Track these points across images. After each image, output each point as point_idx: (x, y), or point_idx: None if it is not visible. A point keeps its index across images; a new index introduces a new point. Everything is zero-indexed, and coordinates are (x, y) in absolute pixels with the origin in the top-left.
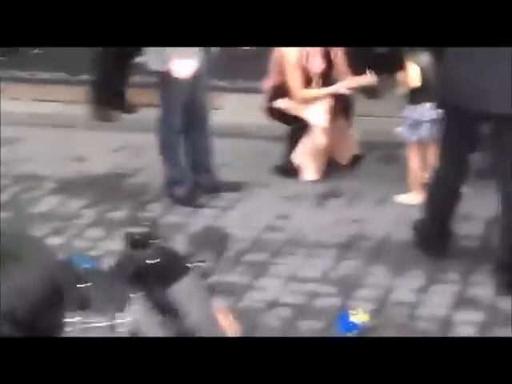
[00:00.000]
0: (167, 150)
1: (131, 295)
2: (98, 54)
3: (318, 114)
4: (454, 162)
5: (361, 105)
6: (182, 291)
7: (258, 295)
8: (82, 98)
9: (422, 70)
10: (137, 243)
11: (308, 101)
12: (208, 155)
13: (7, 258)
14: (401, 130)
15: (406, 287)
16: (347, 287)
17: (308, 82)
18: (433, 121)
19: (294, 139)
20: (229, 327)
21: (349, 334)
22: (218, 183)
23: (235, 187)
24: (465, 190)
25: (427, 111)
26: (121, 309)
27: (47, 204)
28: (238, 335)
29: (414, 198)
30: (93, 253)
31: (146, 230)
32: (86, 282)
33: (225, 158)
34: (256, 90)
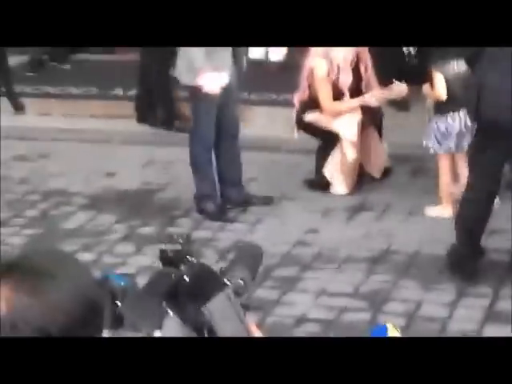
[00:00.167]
0: (198, 164)
1: (165, 313)
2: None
3: (348, 127)
4: (486, 176)
5: (390, 117)
6: (217, 308)
7: (287, 310)
8: (112, 113)
9: (449, 81)
10: (170, 260)
11: (338, 114)
12: (238, 169)
13: (42, 276)
14: (428, 143)
15: (437, 301)
16: (377, 302)
17: (338, 95)
18: (460, 132)
19: (324, 153)
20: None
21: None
22: (247, 197)
23: (265, 201)
24: (495, 203)
25: (455, 122)
26: (155, 326)
27: (77, 220)
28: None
29: (444, 211)
30: (123, 268)
31: (179, 246)
32: (121, 300)
33: (254, 171)
34: (286, 104)
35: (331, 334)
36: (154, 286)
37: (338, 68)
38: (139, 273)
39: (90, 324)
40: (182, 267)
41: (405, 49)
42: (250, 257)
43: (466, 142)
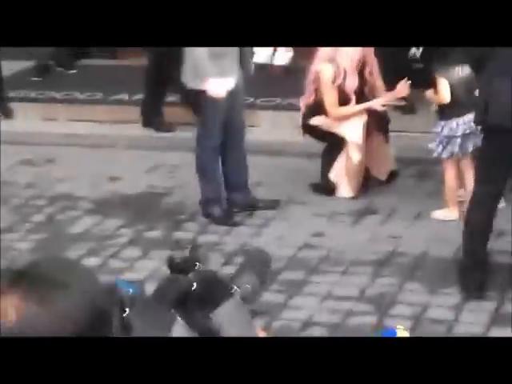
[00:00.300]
0: (204, 168)
1: (174, 319)
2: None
3: (353, 131)
4: (493, 181)
5: (396, 120)
6: (225, 315)
7: (294, 314)
8: (117, 118)
9: (453, 86)
10: (179, 267)
11: (344, 118)
12: (243, 173)
13: (51, 285)
14: (433, 147)
15: (443, 304)
16: (383, 305)
17: (343, 99)
18: (465, 136)
19: (329, 156)
20: None
21: None
22: (253, 201)
23: (271, 205)
24: (500, 205)
25: (458, 127)
26: (164, 333)
27: (83, 224)
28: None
29: (450, 214)
30: (130, 273)
31: (187, 253)
32: (130, 308)
33: (260, 175)
34: (291, 108)
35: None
36: (162, 293)
37: (344, 72)
38: (147, 278)
39: (99, 332)
40: (191, 274)
41: (410, 52)
42: (258, 263)
43: (471, 147)
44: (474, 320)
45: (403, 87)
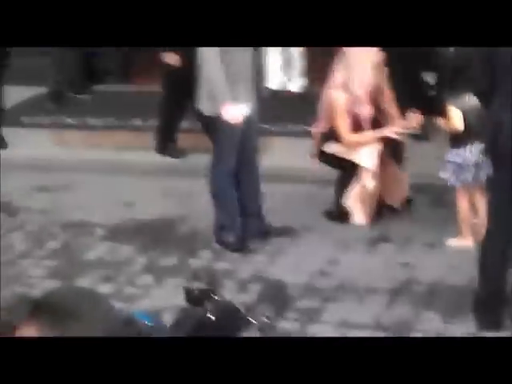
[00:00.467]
0: (219, 194)
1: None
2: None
3: (367, 158)
4: (505, 211)
5: (410, 147)
6: None
7: None
8: (131, 144)
9: (465, 114)
10: (195, 298)
11: (357, 145)
12: (258, 200)
13: (67, 315)
14: (444, 175)
15: (457, 333)
16: (398, 333)
17: (357, 126)
18: (477, 165)
19: (343, 183)
20: None
21: None
22: (267, 228)
23: (285, 232)
24: None
25: (471, 155)
26: None
27: (97, 251)
28: None
29: (464, 242)
30: (143, 300)
31: (203, 284)
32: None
33: (274, 202)
34: (305, 134)
35: None
36: (179, 325)
37: (358, 100)
38: (163, 309)
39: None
40: (207, 305)
41: (423, 79)
42: (275, 294)
43: (484, 175)
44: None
45: (415, 117)
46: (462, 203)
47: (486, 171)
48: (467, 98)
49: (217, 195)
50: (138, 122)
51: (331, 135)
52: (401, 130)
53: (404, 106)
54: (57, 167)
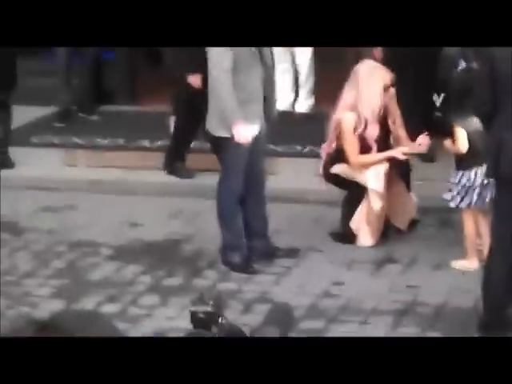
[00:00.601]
0: (225, 215)
1: None
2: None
3: (374, 179)
4: (508, 235)
5: (416, 169)
6: None
7: None
8: (139, 164)
9: (470, 136)
10: (202, 322)
11: (365, 166)
12: (263, 221)
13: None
14: (447, 197)
15: None
16: None
17: (365, 147)
18: (482, 187)
19: (350, 204)
20: None
21: None
22: (273, 249)
23: (291, 253)
24: None
25: (476, 176)
26: None
27: (103, 271)
28: None
29: (470, 264)
30: (148, 320)
31: (210, 308)
32: None
33: (280, 223)
34: (312, 155)
35: None
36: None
37: (365, 121)
38: (168, 331)
39: None
40: (214, 329)
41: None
42: (281, 316)
43: (489, 197)
44: None
45: (423, 139)
46: (468, 225)
47: (492, 193)
48: (473, 119)
49: (223, 215)
50: (145, 142)
51: (339, 156)
52: (408, 151)
53: (412, 127)
54: (63, 187)
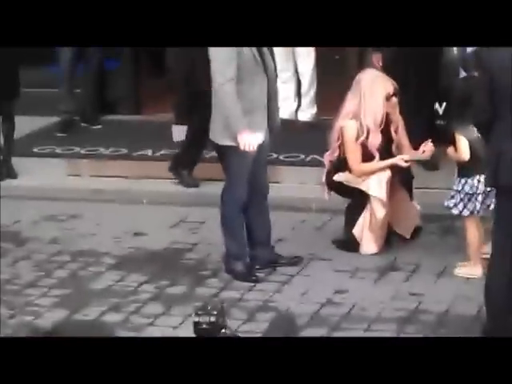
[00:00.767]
0: (229, 224)
1: None
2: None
3: (376, 187)
4: (509, 244)
5: (419, 177)
6: None
7: None
8: (141, 174)
9: (472, 144)
10: (205, 333)
11: (367, 174)
12: (266, 229)
13: None
14: (449, 204)
15: None
16: None
17: (368, 156)
18: (485, 194)
19: (353, 212)
20: None
21: None
22: (276, 257)
23: (294, 261)
24: None
25: (479, 184)
26: None
27: (106, 280)
28: None
29: (473, 271)
30: (151, 329)
31: (213, 318)
32: None
33: (283, 232)
34: (314, 164)
35: None
36: None
37: (368, 130)
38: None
39: None
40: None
41: (433, 109)
42: (284, 326)
43: (492, 204)
44: None
45: (427, 148)
46: (471, 233)
47: (494, 200)
48: (475, 127)
49: (226, 224)
50: (148, 151)
51: (341, 164)
52: (410, 159)
53: (414, 135)
54: (66, 197)
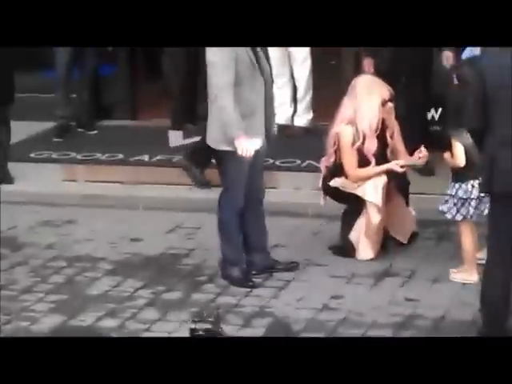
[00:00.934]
0: (226, 229)
1: None
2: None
3: (373, 192)
4: (504, 250)
5: (415, 182)
6: None
7: None
8: (138, 179)
9: (467, 149)
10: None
11: (363, 179)
12: (263, 235)
13: None
14: (443, 209)
15: None
16: None
17: (363, 161)
18: (479, 199)
19: (349, 218)
20: None
21: None
22: (272, 263)
23: (290, 267)
24: None
25: (473, 189)
26: None
27: (102, 286)
28: None
29: (469, 276)
30: (147, 335)
31: (209, 325)
32: None
33: (279, 237)
34: (310, 169)
35: None
36: None
37: (363, 135)
38: None
39: None
40: None
41: (429, 115)
42: (281, 331)
43: (486, 209)
44: None
45: (421, 152)
46: (465, 238)
47: (488, 205)
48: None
49: (223, 230)
50: (144, 157)
51: (337, 170)
52: (405, 164)
53: (410, 141)
54: (62, 202)
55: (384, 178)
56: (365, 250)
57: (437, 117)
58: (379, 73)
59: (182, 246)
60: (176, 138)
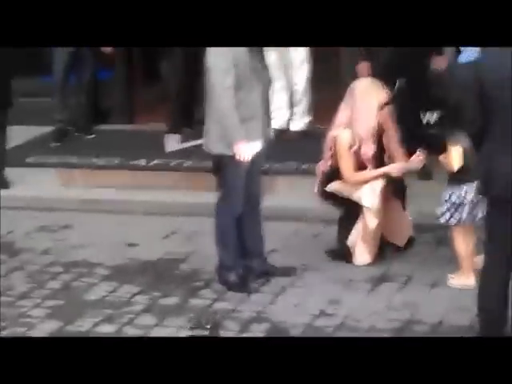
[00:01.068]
0: (224, 234)
1: None
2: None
3: (370, 197)
4: (500, 255)
5: (413, 186)
6: None
7: None
8: (135, 184)
9: (464, 152)
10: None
11: (360, 183)
12: (260, 240)
13: None
14: (439, 214)
15: None
16: None
17: (360, 165)
18: (473, 204)
19: (346, 222)
20: None
21: None
22: (269, 268)
23: (287, 272)
24: None
25: (467, 194)
26: None
27: (99, 291)
28: None
29: (466, 281)
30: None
31: (207, 332)
32: None
33: (276, 242)
34: (307, 173)
35: None
36: None
37: (360, 139)
38: None
39: None
40: None
41: (425, 119)
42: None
43: (480, 214)
44: None
45: (419, 156)
46: (458, 242)
47: (483, 210)
48: (464, 137)
49: (221, 235)
50: (142, 161)
51: (335, 174)
52: (403, 167)
53: (408, 145)
54: (59, 207)
55: (381, 183)
56: (362, 254)
57: (433, 120)
58: (375, 76)
59: (179, 251)
60: (172, 142)
